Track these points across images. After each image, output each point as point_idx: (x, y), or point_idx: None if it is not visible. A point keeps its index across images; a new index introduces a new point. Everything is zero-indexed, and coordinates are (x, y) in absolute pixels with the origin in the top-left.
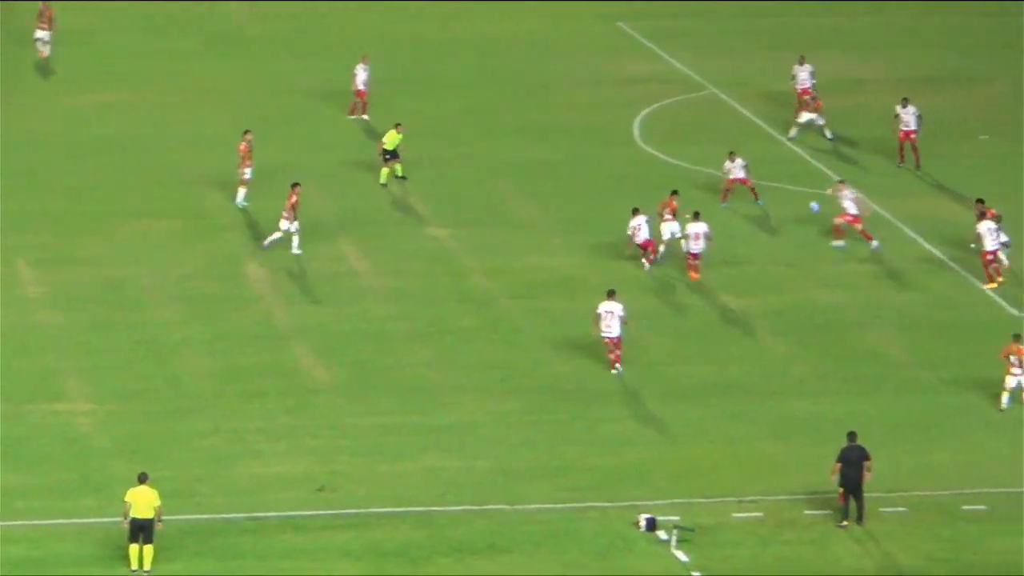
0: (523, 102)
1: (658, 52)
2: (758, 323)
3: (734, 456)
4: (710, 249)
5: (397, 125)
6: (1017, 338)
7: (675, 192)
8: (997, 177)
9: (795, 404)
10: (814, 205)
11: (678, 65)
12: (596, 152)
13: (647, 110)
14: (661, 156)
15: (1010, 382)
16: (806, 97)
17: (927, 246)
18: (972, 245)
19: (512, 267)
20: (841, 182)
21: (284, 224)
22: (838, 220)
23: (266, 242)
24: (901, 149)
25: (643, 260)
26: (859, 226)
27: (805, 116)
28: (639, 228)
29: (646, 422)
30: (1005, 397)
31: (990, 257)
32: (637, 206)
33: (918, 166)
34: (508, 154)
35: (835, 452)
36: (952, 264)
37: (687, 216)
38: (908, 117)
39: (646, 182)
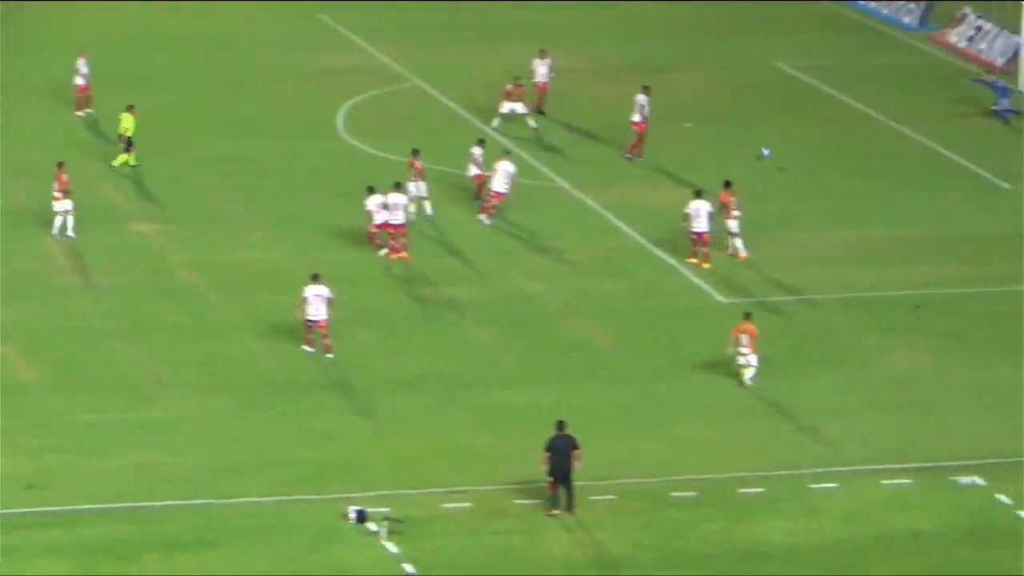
0: (225, 97)
1: (361, 44)
2: (465, 313)
3: (443, 447)
4: (423, 235)
5: (130, 107)
6: (747, 317)
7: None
8: (705, 163)
9: (504, 394)
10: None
11: (382, 57)
12: (300, 145)
13: (351, 102)
14: (366, 148)
15: (739, 361)
16: (541, 92)
17: (632, 234)
18: (683, 224)
19: (218, 261)
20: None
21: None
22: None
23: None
24: (640, 140)
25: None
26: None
27: (508, 106)
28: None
29: (355, 414)
30: (748, 374)
31: (695, 237)
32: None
33: (633, 153)
34: (212, 149)
35: (544, 442)
36: (657, 251)
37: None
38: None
39: (351, 174)
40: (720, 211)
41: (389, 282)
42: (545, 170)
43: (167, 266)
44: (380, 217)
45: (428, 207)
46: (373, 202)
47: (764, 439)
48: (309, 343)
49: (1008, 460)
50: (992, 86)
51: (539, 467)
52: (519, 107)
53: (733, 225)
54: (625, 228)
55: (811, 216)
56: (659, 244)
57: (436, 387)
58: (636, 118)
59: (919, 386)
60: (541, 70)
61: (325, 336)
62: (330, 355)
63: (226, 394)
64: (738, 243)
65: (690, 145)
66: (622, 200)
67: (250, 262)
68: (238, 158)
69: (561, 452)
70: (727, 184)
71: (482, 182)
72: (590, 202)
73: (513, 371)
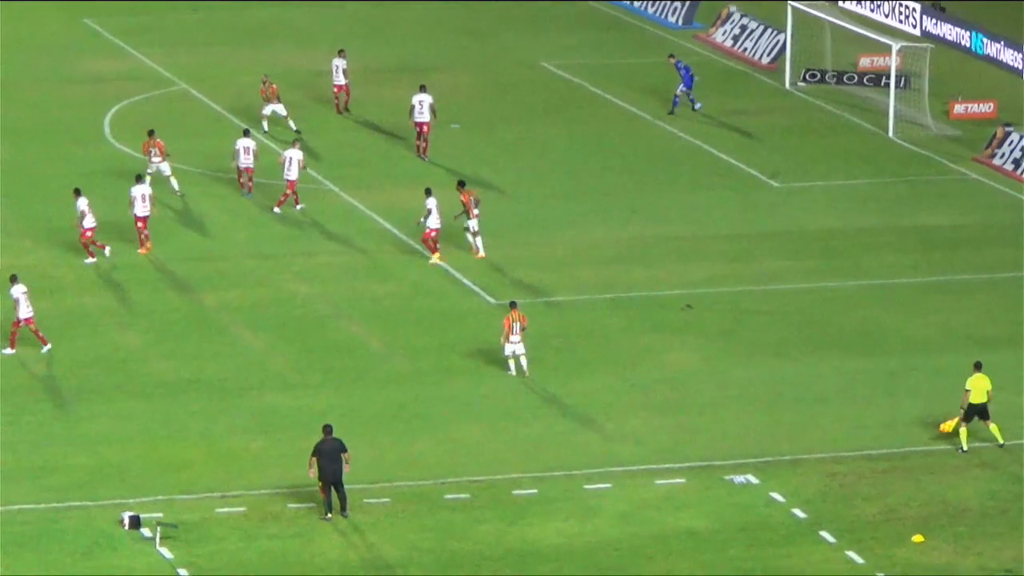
0: None
1: (127, 49)
2: (234, 317)
3: (215, 452)
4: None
5: None
6: (514, 305)
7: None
8: (472, 164)
9: (275, 398)
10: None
11: (148, 61)
12: (65, 150)
13: (118, 107)
14: (133, 153)
15: (507, 349)
16: (339, 92)
17: (401, 236)
18: (420, 220)
19: None
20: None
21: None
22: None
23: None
24: (417, 139)
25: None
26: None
27: (269, 108)
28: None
29: (125, 420)
30: (511, 365)
31: (433, 233)
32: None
33: (425, 154)
34: None
35: (311, 447)
36: (423, 251)
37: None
38: (424, 107)
39: (117, 178)
40: (462, 212)
41: (158, 285)
42: (313, 173)
43: None
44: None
45: (175, 183)
46: (83, 203)
47: (537, 440)
48: (13, 344)
49: (781, 458)
50: (679, 69)
51: (308, 472)
52: (280, 109)
53: (473, 224)
54: (393, 230)
55: (579, 215)
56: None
57: (207, 391)
58: (423, 118)
59: (691, 385)
60: (339, 71)
61: (36, 330)
62: (48, 346)
63: None
64: (478, 241)
65: (457, 146)
66: (389, 202)
67: (14, 267)
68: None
69: (329, 455)
70: (461, 184)
71: (250, 173)
72: (358, 205)
73: (284, 374)
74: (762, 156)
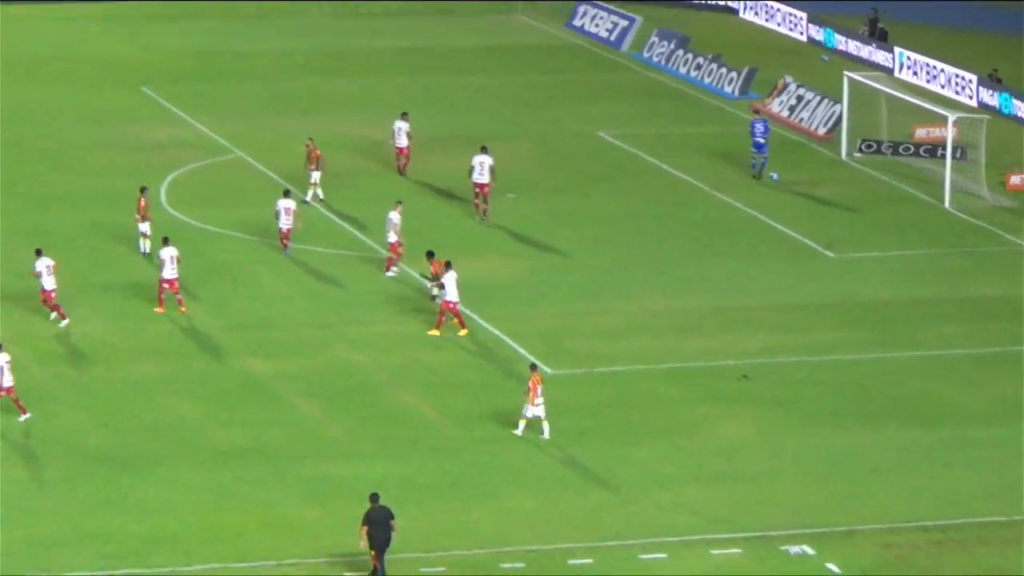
0: (38, 169)
1: (184, 116)
2: (289, 386)
3: (270, 520)
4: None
5: None
6: (534, 368)
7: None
8: (529, 232)
9: (330, 467)
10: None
11: (204, 129)
12: (121, 218)
13: (174, 174)
14: (190, 220)
15: (530, 412)
16: (400, 155)
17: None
18: (428, 287)
19: (41, 334)
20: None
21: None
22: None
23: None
24: (476, 198)
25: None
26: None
27: (316, 175)
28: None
29: (180, 488)
30: (523, 425)
31: (451, 306)
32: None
33: (485, 215)
34: (26, 222)
35: (361, 516)
36: (481, 321)
37: None
38: (484, 169)
39: (177, 245)
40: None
41: (214, 353)
42: (369, 241)
43: None
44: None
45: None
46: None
47: (592, 509)
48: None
49: (836, 529)
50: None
51: (358, 542)
52: (315, 175)
53: (444, 293)
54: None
55: (635, 285)
56: (485, 316)
57: (262, 459)
58: (483, 179)
59: (746, 455)
60: (401, 133)
61: (15, 399)
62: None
63: (52, 466)
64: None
65: (514, 214)
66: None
67: (72, 335)
68: (54, 231)
69: (379, 523)
70: (430, 254)
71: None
72: (413, 273)
73: (339, 443)
74: (818, 226)
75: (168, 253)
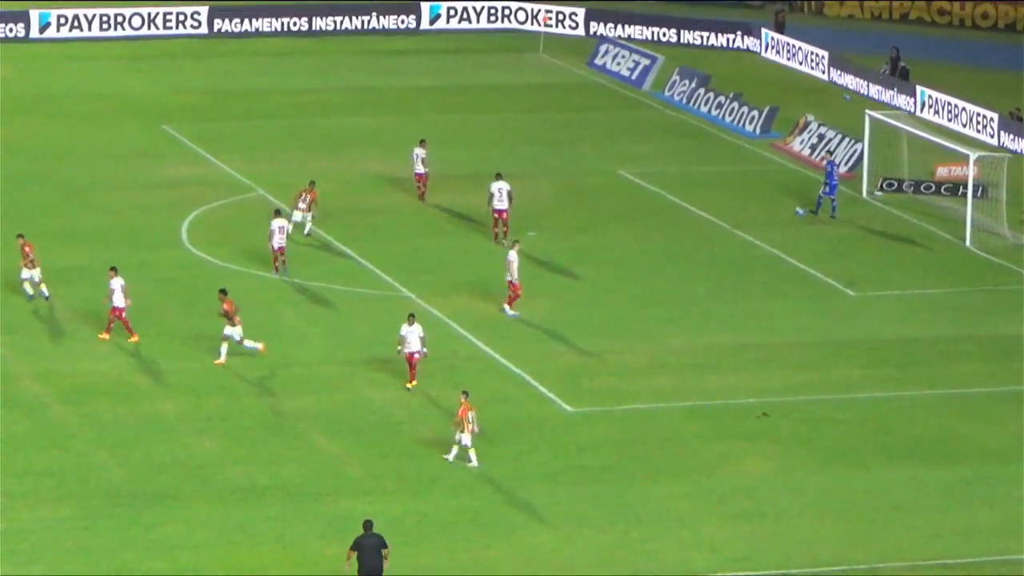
0: (60, 206)
1: (205, 155)
2: (310, 423)
3: (290, 557)
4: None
5: None
6: (466, 395)
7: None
8: (550, 270)
9: (350, 504)
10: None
11: (225, 168)
12: (141, 256)
13: (195, 213)
14: (209, 259)
15: (466, 440)
16: (419, 182)
17: (476, 342)
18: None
19: (62, 371)
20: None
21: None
22: None
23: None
24: (495, 226)
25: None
26: None
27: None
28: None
29: (200, 525)
30: (455, 451)
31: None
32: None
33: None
34: (46, 259)
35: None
36: (503, 360)
37: None
38: (503, 195)
39: (194, 284)
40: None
41: (234, 390)
42: (389, 279)
43: (9, 376)
44: None
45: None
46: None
47: (612, 547)
48: None
49: (857, 567)
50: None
51: (344, 565)
52: (307, 216)
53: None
54: (469, 336)
55: (656, 323)
56: (505, 353)
57: (283, 496)
58: (502, 205)
59: (766, 493)
60: (419, 160)
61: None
62: None
63: (71, 505)
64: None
65: (534, 252)
66: (465, 308)
67: (92, 372)
68: (75, 268)
69: (370, 551)
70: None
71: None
72: (432, 311)
73: (359, 480)
74: (839, 264)
75: (118, 283)
